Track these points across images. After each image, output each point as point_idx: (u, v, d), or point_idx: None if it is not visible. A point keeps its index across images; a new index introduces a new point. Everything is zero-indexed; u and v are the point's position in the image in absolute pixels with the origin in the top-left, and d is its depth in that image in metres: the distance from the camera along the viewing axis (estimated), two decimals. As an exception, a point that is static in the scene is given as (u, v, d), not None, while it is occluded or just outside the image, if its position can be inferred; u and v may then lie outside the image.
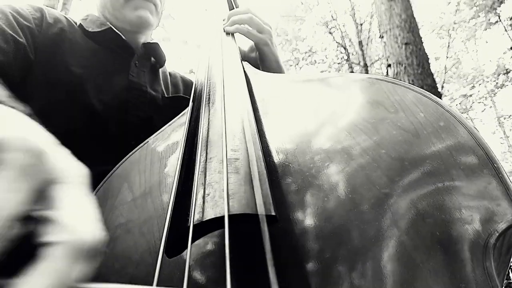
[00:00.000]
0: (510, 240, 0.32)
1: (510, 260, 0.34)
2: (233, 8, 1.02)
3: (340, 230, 0.34)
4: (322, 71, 14.62)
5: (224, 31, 0.89)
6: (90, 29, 0.85)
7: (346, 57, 13.33)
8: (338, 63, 14.21)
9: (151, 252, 0.41)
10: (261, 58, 0.90)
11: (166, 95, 0.92)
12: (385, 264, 0.30)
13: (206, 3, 1.08)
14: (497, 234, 0.30)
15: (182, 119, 0.60)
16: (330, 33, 13.78)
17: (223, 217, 0.30)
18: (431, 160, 0.35)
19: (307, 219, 0.36)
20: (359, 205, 0.34)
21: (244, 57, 0.97)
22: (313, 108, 0.47)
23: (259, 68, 0.93)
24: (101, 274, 0.43)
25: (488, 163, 0.33)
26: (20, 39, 0.70)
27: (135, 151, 0.58)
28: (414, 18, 5.60)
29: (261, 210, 0.30)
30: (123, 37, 0.86)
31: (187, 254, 0.28)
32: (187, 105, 0.92)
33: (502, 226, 0.30)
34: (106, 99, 0.77)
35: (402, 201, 0.33)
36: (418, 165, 0.35)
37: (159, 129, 0.61)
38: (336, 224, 0.34)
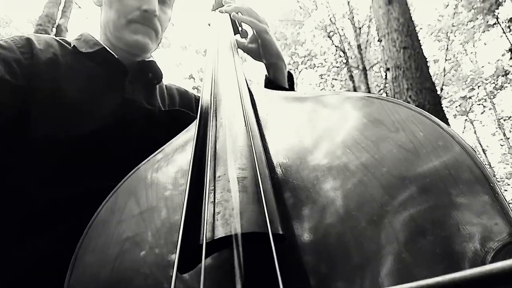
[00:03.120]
0: (507, 256, 0.33)
1: None
2: (235, 22, 1.04)
3: (342, 246, 0.35)
4: (321, 75, 14.66)
5: (225, 12, 0.97)
6: (83, 50, 0.87)
7: (345, 61, 13.36)
8: (337, 67, 14.25)
9: (159, 265, 0.42)
10: (264, 46, 0.94)
11: (163, 109, 0.93)
12: (385, 280, 0.32)
13: (209, 17, 1.10)
14: (494, 252, 0.31)
15: (187, 135, 0.61)
16: (329, 37, 13.83)
17: (232, 235, 0.32)
18: (431, 178, 0.36)
19: (309, 235, 0.37)
20: (361, 221, 0.36)
21: (245, 49, 1.01)
22: (316, 125, 0.49)
23: (260, 58, 0.98)
24: (109, 286, 0.44)
25: (485, 182, 0.35)
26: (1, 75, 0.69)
27: (141, 166, 0.59)
28: (412, 22, 5.63)
29: (269, 228, 0.32)
30: (116, 56, 0.88)
31: (202, 271, 0.30)
32: (184, 117, 0.94)
33: (498, 244, 0.31)
34: (102, 118, 0.78)
35: (402, 218, 0.34)
36: (418, 183, 0.36)
37: (158, 142, 0.62)
38: (338, 240, 0.35)
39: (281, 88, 0.94)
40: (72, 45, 0.88)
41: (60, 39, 0.90)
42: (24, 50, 0.78)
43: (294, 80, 1.04)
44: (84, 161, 0.74)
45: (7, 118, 0.70)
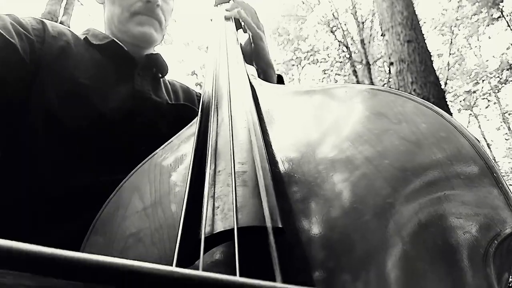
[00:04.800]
0: (510, 247, 0.33)
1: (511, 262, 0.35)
2: (239, 21, 1.04)
3: (344, 239, 0.35)
4: (324, 70, 14.62)
5: (228, 11, 1.00)
6: (94, 42, 0.88)
7: (348, 56, 13.31)
8: (340, 62, 14.20)
9: (163, 261, 0.42)
10: (256, 52, 0.97)
11: (169, 102, 0.94)
12: (388, 273, 0.31)
13: (211, 13, 1.09)
14: (497, 243, 0.31)
15: (190, 130, 0.61)
16: (331, 32, 13.77)
17: (232, 229, 0.32)
18: (433, 170, 0.36)
19: (313, 228, 0.37)
20: (364, 214, 0.35)
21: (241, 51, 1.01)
22: (318, 118, 0.48)
23: (251, 62, 0.99)
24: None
25: (488, 173, 0.34)
26: (11, 40, 0.69)
27: (145, 162, 0.59)
28: (416, 15, 5.59)
29: (268, 222, 0.31)
30: (125, 49, 0.89)
31: (199, 266, 0.30)
32: (189, 112, 0.95)
33: (502, 234, 0.31)
34: (113, 108, 0.79)
35: (405, 210, 0.34)
36: (420, 175, 0.36)
37: (165, 134, 0.63)
38: (341, 233, 0.35)
39: None
40: (83, 37, 0.89)
41: (72, 30, 0.90)
42: (38, 34, 0.78)
43: (297, 76, 1.06)
44: (92, 154, 0.74)
45: (8, 93, 0.70)
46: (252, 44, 0.96)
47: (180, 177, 0.52)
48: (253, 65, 1.00)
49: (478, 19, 13.44)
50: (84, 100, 0.76)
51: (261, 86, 0.63)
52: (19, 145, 0.71)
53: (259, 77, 0.96)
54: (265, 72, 0.98)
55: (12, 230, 0.65)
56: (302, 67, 14.89)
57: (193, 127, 0.61)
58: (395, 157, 0.38)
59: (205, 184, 0.39)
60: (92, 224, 0.53)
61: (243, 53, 1.00)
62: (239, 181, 0.37)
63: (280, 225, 0.32)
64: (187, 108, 0.97)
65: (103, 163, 0.73)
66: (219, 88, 0.62)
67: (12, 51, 0.70)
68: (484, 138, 17.76)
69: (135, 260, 0.44)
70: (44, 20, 0.84)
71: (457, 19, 13.75)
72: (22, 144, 0.71)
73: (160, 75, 0.98)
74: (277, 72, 1.01)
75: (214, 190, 0.37)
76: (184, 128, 0.63)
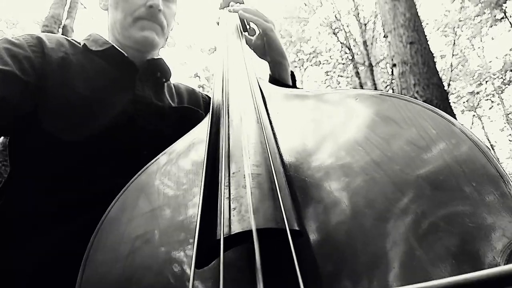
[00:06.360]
0: None
1: None
2: (243, 20, 1.05)
3: (355, 243, 0.35)
4: (327, 72, 14.61)
5: (233, 11, 1.02)
6: (93, 48, 0.88)
7: (350, 58, 13.29)
8: (343, 64, 14.18)
9: (172, 262, 0.42)
10: (269, 44, 0.98)
11: (172, 106, 0.94)
12: (398, 278, 0.31)
13: (216, 16, 1.10)
14: (509, 251, 0.31)
15: (197, 132, 0.61)
16: (334, 33, 13.77)
17: (249, 231, 0.32)
18: (444, 176, 0.36)
19: (323, 231, 0.37)
20: (374, 219, 0.35)
21: (251, 46, 1.04)
22: (327, 123, 0.49)
23: (264, 56, 1.01)
24: (121, 284, 0.44)
25: (499, 179, 0.35)
26: (6, 67, 0.70)
27: (151, 164, 0.59)
28: (419, 17, 5.58)
29: (286, 224, 0.32)
30: (125, 54, 0.90)
31: (221, 266, 0.30)
32: (192, 115, 0.95)
33: None
34: (113, 115, 0.79)
35: (415, 216, 0.34)
36: (431, 181, 0.36)
37: (168, 138, 0.63)
38: (350, 237, 0.35)
39: (285, 86, 0.95)
40: (82, 44, 0.89)
41: (69, 38, 0.91)
42: (36, 49, 0.79)
43: (299, 77, 1.07)
44: (96, 159, 0.74)
45: (16, 115, 0.71)
46: (264, 37, 0.97)
47: (188, 178, 0.52)
48: (267, 59, 1.00)
49: (481, 20, 13.39)
50: (84, 111, 0.77)
51: (270, 89, 0.64)
52: (24, 154, 0.73)
53: (273, 70, 0.98)
54: (280, 64, 0.98)
55: (13, 230, 0.67)
56: (305, 69, 14.88)
57: (200, 129, 0.62)
58: (405, 162, 0.39)
59: (220, 186, 0.39)
60: (98, 226, 0.52)
61: (255, 50, 1.01)
62: (253, 183, 0.37)
63: (297, 228, 0.33)
64: (189, 111, 0.97)
65: (108, 168, 0.74)
66: (228, 91, 0.63)
67: (12, 77, 0.70)
68: (488, 139, 17.66)
69: (143, 261, 0.44)
70: (40, 34, 0.85)
71: (460, 20, 13.70)
72: (26, 153, 0.73)
73: (164, 80, 0.99)
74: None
75: (229, 192, 0.38)
76: (192, 130, 0.63)
